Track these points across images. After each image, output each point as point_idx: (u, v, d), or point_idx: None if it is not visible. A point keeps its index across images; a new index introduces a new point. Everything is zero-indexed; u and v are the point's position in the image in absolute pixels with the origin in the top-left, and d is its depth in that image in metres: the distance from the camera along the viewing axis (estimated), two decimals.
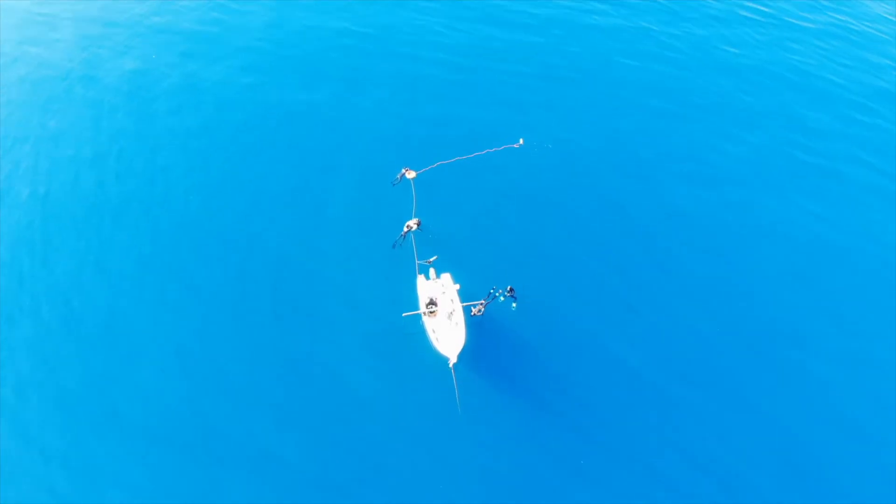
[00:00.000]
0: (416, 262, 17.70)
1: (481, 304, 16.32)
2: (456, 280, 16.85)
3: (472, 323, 16.23)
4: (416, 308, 16.57)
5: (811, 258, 19.31)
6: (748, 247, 19.52)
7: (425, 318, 16.01)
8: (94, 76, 24.79)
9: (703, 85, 25.65)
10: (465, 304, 16.22)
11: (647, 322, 17.43)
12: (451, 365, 15.00)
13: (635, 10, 29.57)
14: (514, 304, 16.67)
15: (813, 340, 17.23)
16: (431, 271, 17.20)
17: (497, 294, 16.75)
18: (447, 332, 15.54)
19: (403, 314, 16.28)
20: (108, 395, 15.64)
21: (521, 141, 21.62)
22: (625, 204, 20.50)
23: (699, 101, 24.78)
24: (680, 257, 19.14)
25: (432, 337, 15.62)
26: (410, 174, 20.24)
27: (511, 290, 16.76)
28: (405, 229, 18.53)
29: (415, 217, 18.87)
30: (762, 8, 30.88)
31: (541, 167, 21.39)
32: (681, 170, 21.81)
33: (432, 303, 16.20)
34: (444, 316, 15.89)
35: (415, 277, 17.26)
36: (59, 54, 25.78)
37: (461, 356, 15.13)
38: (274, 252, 18.84)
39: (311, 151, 22.03)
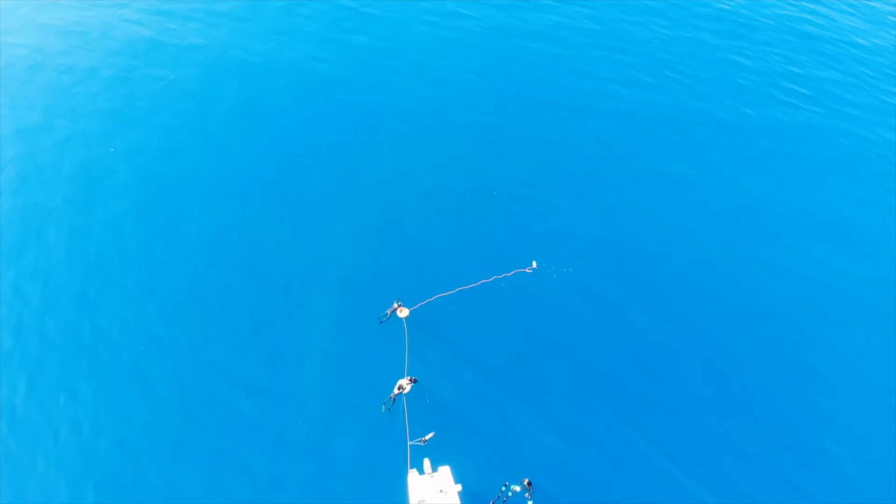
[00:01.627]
0: (409, 443, 14.16)
1: None
2: (457, 476, 13.38)
3: None
4: None
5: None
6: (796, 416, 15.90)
7: None
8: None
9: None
10: None
11: None
12: None
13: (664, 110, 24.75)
14: None
15: None
16: (426, 463, 13.71)
17: (510, 492, 13.14)
18: None
19: None
20: None
21: (535, 264, 18.25)
22: (664, 357, 16.89)
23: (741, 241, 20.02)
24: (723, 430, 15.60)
25: None
26: (403, 312, 16.78)
27: (529, 484, 13.22)
28: (396, 390, 15.10)
29: (407, 375, 15.39)
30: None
31: (560, 299, 17.82)
32: (723, 328, 17.75)
33: None
34: None
35: (405, 470, 13.70)
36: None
37: None
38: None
39: (269, 280, 17.98)
